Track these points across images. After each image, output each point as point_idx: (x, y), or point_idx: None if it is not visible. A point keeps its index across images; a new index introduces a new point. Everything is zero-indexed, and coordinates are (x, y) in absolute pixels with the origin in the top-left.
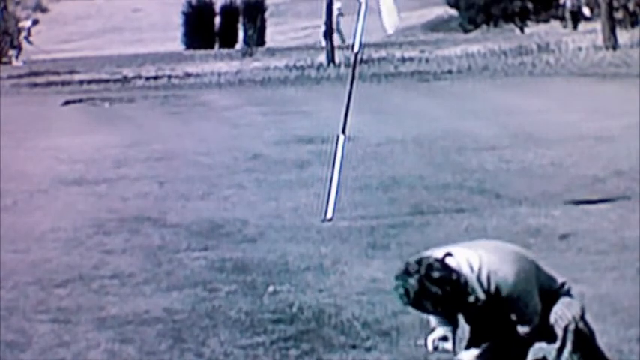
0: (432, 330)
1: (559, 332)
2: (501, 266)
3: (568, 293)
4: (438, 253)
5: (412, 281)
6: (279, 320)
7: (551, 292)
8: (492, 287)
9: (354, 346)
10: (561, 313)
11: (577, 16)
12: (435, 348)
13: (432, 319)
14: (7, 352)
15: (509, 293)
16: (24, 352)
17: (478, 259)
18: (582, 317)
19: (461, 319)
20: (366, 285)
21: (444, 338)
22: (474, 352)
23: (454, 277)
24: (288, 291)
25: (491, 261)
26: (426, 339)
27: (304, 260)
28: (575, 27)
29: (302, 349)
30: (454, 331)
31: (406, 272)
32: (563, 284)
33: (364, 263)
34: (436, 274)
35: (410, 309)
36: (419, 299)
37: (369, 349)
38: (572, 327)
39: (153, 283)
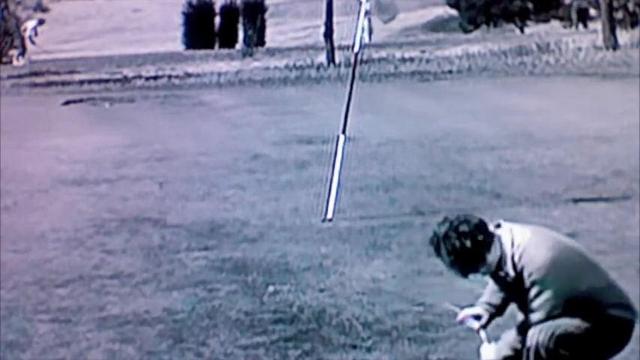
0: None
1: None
2: (536, 250)
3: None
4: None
5: (442, 228)
6: (280, 320)
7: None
8: (519, 266)
9: (354, 346)
10: (531, 335)
11: (584, 15)
12: (461, 322)
13: (485, 292)
14: (7, 352)
15: (530, 276)
16: (24, 352)
17: (521, 237)
18: (552, 346)
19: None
20: (367, 285)
21: (477, 317)
22: (499, 345)
23: (480, 237)
24: (288, 291)
25: (531, 243)
26: (460, 308)
27: (304, 260)
28: (585, 25)
29: (302, 349)
30: (493, 316)
31: (443, 220)
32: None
33: (364, 263)
34: (463, 228)
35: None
36: (439, 247)
37: (369, 349)
38: (532, 352)
39: (153, 283)
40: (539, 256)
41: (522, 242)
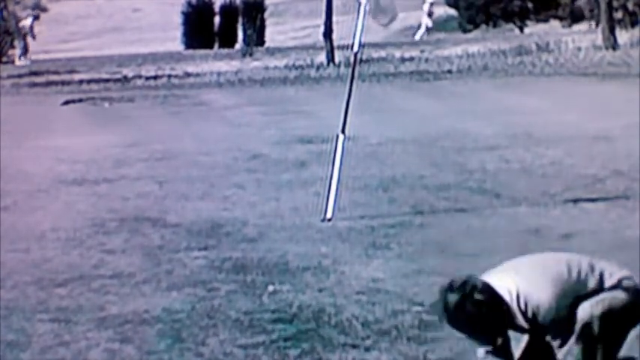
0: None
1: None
2: (537, 293)
3: (619, 288)
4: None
5: (453, 297)
6: (279, 320)
7: (598, 292)
8: (529, 313)
9: (353, 346)
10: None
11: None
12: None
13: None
14: (7, 352)
15: (545, 318)
16: (24, 352)
17: (515, 287)
18: (603, 317)
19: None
20: (366, 285)
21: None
22: None
23: (494, 301)
24: (287, 291)
25: (527, 287)
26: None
27: (304, 260)
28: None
29: (302, 348)
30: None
31: (449, 288)
32: (619, 281)
33: (364, 263)
34: (478, 296)
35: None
36: (455, 317)
37: (368, 349)
38: (578, 327)
39: (153, 283)
40: (544, 299)
41: (519, 292)
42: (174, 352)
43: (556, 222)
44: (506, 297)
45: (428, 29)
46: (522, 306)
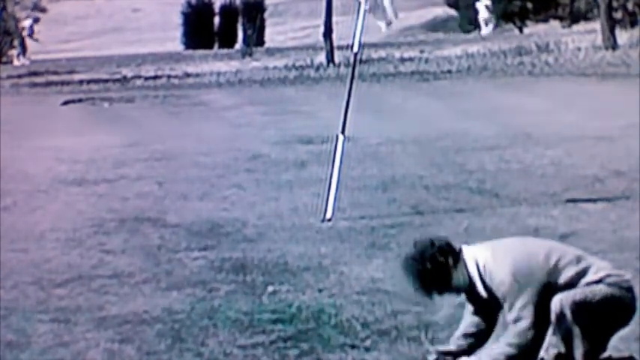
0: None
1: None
2: (499, 268)
3: (602, 283)
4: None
5: (410, 252)
6: (279, 320)
7: (576, 283)
8: (487, 284)
9: (353, 346)
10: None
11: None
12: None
13: (461, 325)
14: (7, 352)
15: (499, 291)
16: (24, 352)
17: (483, 258)
18: (577, 310)
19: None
20: (366, 285)
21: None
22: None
23: (441, 259)
24: (287, 291)
25: (493, 261)
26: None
27: (304, 260)
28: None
29: (301, 349)
30: (474, 346)
31: (413, 244)
32: (604, 277)
33: (364, 263)
34: (426, 251)
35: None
36: (406, 270)
37: (368, 349)
38: (553, 318)
39: (152, 283)
40: (502, 273)
41: (486, 263)
42: (174, 352)
43: (556, 222)
44: (469, 263)
45: (490, 23)
46: (484, 276)
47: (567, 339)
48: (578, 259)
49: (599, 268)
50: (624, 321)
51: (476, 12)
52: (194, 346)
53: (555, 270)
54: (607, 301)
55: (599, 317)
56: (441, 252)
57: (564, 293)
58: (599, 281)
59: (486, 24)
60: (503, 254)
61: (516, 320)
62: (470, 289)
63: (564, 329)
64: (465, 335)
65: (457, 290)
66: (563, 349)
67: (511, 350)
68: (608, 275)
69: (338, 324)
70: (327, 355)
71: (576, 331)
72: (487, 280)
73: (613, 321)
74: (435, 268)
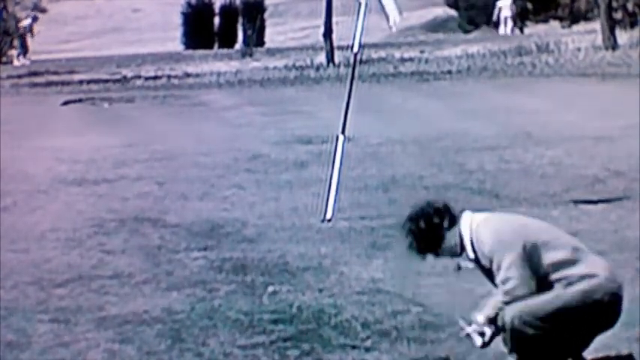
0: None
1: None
2: (485, 235)
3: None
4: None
5: (411, 212)
6: (279, 320)
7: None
8: (475, 248)
9: (353, 347)
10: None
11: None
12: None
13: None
14: (7, 352)
15: (484, 258)
16: (24, 352)
17: (475, 223)
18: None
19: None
20: (366, 285)
21: (482, 334)
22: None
23: (435, 220)
24: (287, 291)
25: (482, 229)
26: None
27: (304, 260)
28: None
29: (302, 349)
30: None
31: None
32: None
33: (364, 263)
34: (422, 211)
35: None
36: (403, 229)
37: (368, 350)
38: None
39: (152, 284)
40: (485, 234)
41: (477, 226)
42: (174, 352)
43: (556, 222)
44: (464, 226)
45: (510, 22)
46: (473, 239)
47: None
48: (574, 250)
49: (591, 265)
50: (600, 324)
51: (477, 12)
52: (194, 346)
53: (544, 246)
54: (572, 307)
55: (560, 324)
56: (436, 213)
57: (517, 306)
58: (583, 277)
59: (506, 23)
60: (495, 220)
61: (504, 281)
62: (462, 252)
63: (518, 341)
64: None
65: (450, 252)
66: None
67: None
68: (594, 275)
69: (338, 324)
70: (327, 356)
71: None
72: (474, 243)
73: (581, 325)
74: (428, 227)
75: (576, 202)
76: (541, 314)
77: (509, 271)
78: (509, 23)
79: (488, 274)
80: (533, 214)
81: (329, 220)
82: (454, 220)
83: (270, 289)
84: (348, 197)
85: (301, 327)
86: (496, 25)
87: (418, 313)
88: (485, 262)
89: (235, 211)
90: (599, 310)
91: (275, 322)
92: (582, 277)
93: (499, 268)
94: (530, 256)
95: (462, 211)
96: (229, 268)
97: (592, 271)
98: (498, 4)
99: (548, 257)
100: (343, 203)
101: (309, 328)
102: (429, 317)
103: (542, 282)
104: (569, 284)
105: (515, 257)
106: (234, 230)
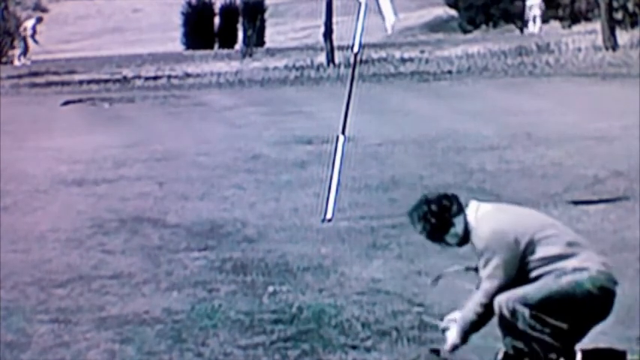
0: None
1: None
2: (484, 225)
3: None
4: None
5: (418, 202)
6: (279, 320)
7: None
8: (473, 239)
9: (353, 347)
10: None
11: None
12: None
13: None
14: (7, 352)
15: (480, 248)
16: (24, 353)
17: (480, 214)
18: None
19: None
20: (366, 285)
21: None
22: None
23: (446, 203)
24: (287, 291)
25: (483, 219)
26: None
27: (304, 260)
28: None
29: (302, 349)
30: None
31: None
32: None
33: (364, 264)
34: (432, 197)
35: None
36: (413, 216)
37: (368, 350)
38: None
39: (152, 284)
40: (483, 232)
41: (476, 218)
42: (175, 352)
43: None
44: (470, 216)
45: (538, 20)
46: (474, 232)
47: (518, 337)
48: (568, 244)
49: (584, 259)
50: (589, 317)
51: (477, 12)
52: (194, 346)
53: (541, 245)
54: (561, 297)
55: (553, 313)
56: (446, 198)
57: (506, 294)
58: (574, 270)
59: (535, 21)
60: (495, 215)
61: (489, 277)
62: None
63: (508, 329)
64: None
65: (456, 239)
66: (510, 350)
67: (480, 310)
68: (585, 268)
69: (338, 324)
70: (327, 356)
71: (526, 328)
72: (474, 235)
73: (570, 315)
74: (440, 210)
75: (576, 202)
76: (530, 302)
77: (497, 270)
78: (538, 22)
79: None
80: None
81: (329, 220)
82: (461, 207)
83: (271, 289)
84: (348, 197)
85: (301, 327)
86: (524, 24)
87: (418, 314)
88: (476, 248)
89: (235, 211)
90: (588, 302)
91: (275, 322)
92: (574, 270)
93: (487, 263)
94: (524, 252)
95: (466, 204)
96: (229, 268)
97: (584, 264)
98: (528, 2)
99: (542, 252)
100: (343, 203)
101: (310, 328)
102: (430, 318)
103: (531, 275)
104: (559, 276)
105: (503, 260)
106: (235, 230)
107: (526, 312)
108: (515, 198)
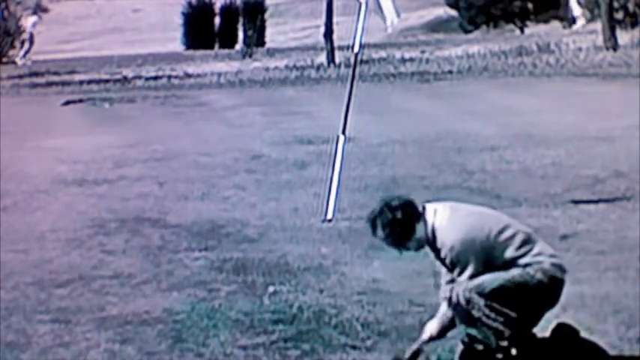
0: None
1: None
2: (447, 233)
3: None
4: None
5: (377, 207)
6: (280, 321)
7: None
8: (438, 245)
9: (354, 347)
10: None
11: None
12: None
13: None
14: (7, 352)
15: (446, 257)
16: (24, 353)
17: (439, 219)
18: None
19: None
20: (367, 285)
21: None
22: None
23: (409, 210)
24: (288, 291)
25: (444, 225)
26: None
27: (304, 261)
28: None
29: (302, 349)
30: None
31: (379, 202)
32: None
33: (364, 264)
34: (394, 202)
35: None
36: (375, 223)
37: (369, 350)
38: (453, 299)
39: (153, 284)
40: (452, 239)
41: (439, 224)
42: (175, 352)
43: (556, 223)
44: (429, 219)
45: (580, 20)
46: (436, 234)
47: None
48: (526, 241)
49: (539, 252)
50: (541, 304)
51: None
52: (195, 346)
53: (504, 246)
54: (514, 286)
55: (505, 302)
56: (408, 204)
57: (463, 284)
58: (529, 264)
59: (575, 21)
60: (458, 217)
61: (468, 280)
62: (427, 244)
63: (464, 317)
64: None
65: (418, 244)
66: (466, 338)
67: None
68: (539, 262)
69: (339, 324)
70: (327, 356)
71: (480, 316)
72: (437, 238)
73: (522, 303)
74: (404, 217)
75: (577, 202)
76: (485, 291)
77: (473, 278)
78: (580, 20)
79: (443, 261)
80: (534, 214)
81: (329, 221)
82: (419, 213)
83: (271, 289)
84: (349, 197)
85: (302, 327)
86: (571, 21)
87: (418, 314)
88: (445, 255)
89: (236, 212)
90: (539, 291)
91: (276, 322)
92: (529, 264)
93: (463, 272)
94: (492, 254)
95: (423, 207)
96: (230, 268)
97: (538, 258)
98: (571, 1)
99: (506, 251)
100: (344, 203)
101: (310, 328)
102: (429, 317)
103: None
104: (514, 267)
105: (475, 268)
106: (235, 230)
107: (481, 301)
108: (515, 198)
